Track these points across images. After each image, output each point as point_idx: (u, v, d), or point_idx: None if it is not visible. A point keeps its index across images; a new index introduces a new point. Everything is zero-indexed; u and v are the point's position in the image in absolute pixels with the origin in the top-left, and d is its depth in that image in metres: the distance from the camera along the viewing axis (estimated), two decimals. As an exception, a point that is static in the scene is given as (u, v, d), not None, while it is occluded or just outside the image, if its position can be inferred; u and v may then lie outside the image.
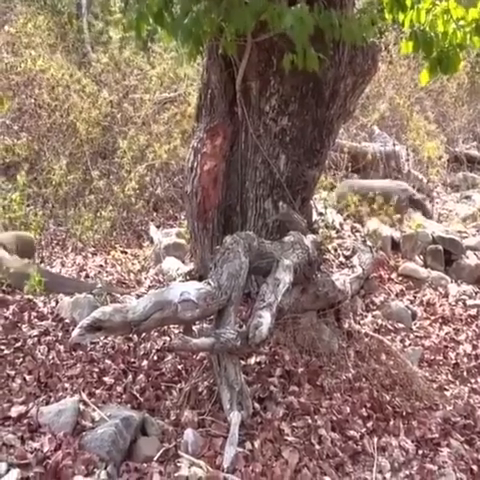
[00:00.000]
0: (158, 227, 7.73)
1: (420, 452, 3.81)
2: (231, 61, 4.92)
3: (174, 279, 5.38)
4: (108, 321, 3.44)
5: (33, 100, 8.13)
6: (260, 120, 4.97)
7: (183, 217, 8.25)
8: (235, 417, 3.61)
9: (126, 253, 6.65)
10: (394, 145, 9.92)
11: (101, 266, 6.03)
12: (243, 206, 5.19)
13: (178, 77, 8.39)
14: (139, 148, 8.00)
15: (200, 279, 5.22)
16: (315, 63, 4.33)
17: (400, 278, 6.06)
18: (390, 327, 5.16)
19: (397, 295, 5.72)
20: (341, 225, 6.28)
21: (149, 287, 5.21)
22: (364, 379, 4.32)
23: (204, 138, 5.19)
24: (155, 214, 8.35)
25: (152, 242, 7.21)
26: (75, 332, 3.38)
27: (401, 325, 5.23)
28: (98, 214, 7.60)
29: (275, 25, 4.09)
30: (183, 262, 5.83)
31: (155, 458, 3.42)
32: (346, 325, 4.98)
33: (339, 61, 4.89)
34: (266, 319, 3.80)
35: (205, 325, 4.30)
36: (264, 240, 4.37)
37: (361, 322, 5.12)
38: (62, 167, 7.69)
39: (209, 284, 3.85)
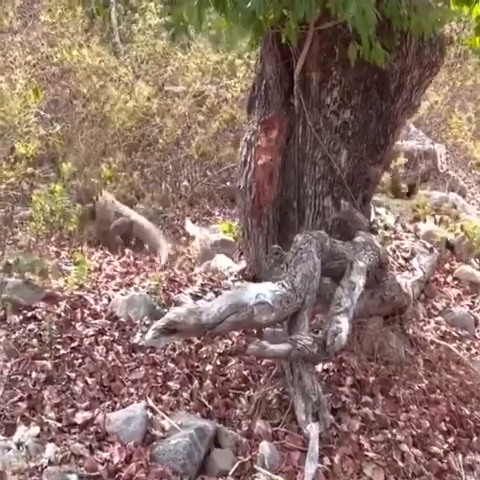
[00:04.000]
0: (193, 223, 7.49)
1: (509, 472, 3.57)
2: (288, 51, 4.70)
3: (226, 278, 5.13)
4: (182, 323, 3.23)
5: (68, 90, 7.86)
6: (320, 113, 4.72)
7: (217, 213, 8.05)
8: (314, 430, 3.38)
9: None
10: (432, 143, 9.64)
11: (152, 261, 5.77)
12: (300, 203, 4.92)
13: (218, 69, 8.11)
14: (176, 141, 7.73)
15: (254, 279, 5.03)
16: (381, 57, 4.10)
17: (455, 282, 5.80)
18: (455, 334, 4.91)
19: (455, 300, 5.45)
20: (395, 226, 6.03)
21: (202, 285, 4.96)
22: (439, 390, 4.08)
23: (258, 131, 4.95)
24: (189, 209, 8.10)
25: (188, 238, 6.98)
26: (149, 335, 3.17)
27: (465, 332, 4.98)
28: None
29: (339, 14, 3.85)
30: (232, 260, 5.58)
31: (230, 472, 3.20)
32: (410, 331, 4.73)
33: (406, 52, 4.62)
34: (344, 325, 3.59)
35: (273, 330, 4.04)
36: (335, 240, 4.11)
37: (424, 328, 4.88)
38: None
39: (284, 286, 3.62)
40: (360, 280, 3.89)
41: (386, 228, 5.74)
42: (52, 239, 6.16)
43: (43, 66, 7.86)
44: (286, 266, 3.81)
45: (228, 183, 7.90)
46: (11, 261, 4.50)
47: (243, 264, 5.37)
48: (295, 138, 4.86)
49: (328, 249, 3.96)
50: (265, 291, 3.50)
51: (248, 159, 4.97)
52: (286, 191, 4.94)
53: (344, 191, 4.78)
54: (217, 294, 4.80)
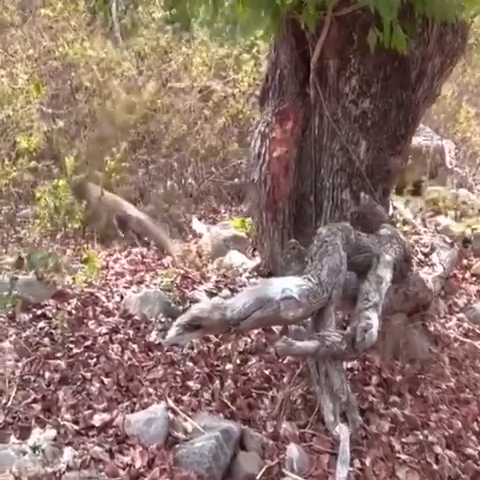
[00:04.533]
0: (199, 220, 7.32)
1: None
2: (303, 39, 4.54)
3: (240, 274, 4.96)
4: (207, 319, 3.05)
5: (70, 84, 7.67)
6: (338, 102, 4.55)
7: (224, 210, 7.89)
8: (344, 432, 3.21)
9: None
10: (441, 139, 9.47)
11: (160, 258, 5.60)
12: (318, 196, 4.73)
13: (225, 63, 7.94)
14: (181, 137, 7.55)
15: (269, 275, 4.86)
16: (402, 42, 3.96)
17: (474, 278, 5.63)
18: (478, 331, 4.74)
19: (475, 296, 5.29)
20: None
21: (216, 282, 4.79)
22: (467, 389, 3.91)
23: (273, 122, 4.77)
24: (194, 206, 7.92)
25: (195, 235, 6.80)
26: (172, 331, 2.99)
27: (489, 330, 4.81)
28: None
29: (360, -1, 3.71)
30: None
31: (258, 476, 3.03)
32: (432, 328, 4.56)
33: (428, 39, 4.45)
34: (374, 321, 3.42)
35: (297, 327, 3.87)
36: (360, 233, 3.94)
37: (446, 325, 4.71)
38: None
39: (310, 280, 3.44)
40: (387, 274, 3.73)
41: (405, 222, 5.56)
42: (57, 237, 5.97)
43: (45, 61, 7.64)
44: (310, 260, 3.64)
45: (236, 180, 7.72)
46: (23, 256, 4.30)
47: (257, 260, 5.20)
48: (311, 129, 4.69)
49: (353, 242, 3.80)
50: (291, 285, 3.32)
51: (262, 151, 4.79)
52: (302, 184, 4.77)
53: (363, 183, 4.60)
54: (232, 291, 4.65)
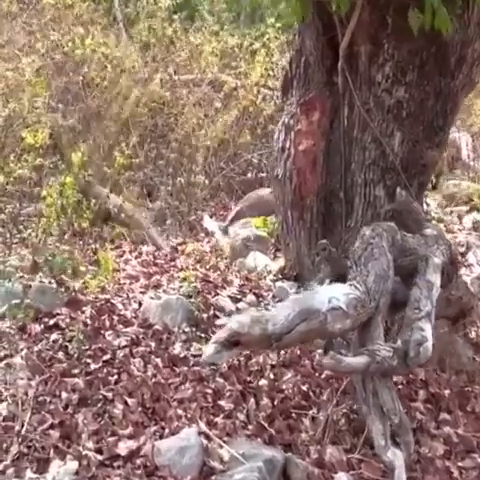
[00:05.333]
0: (211, 218, 6.97)
1: None
2: (330, 23, 4.23)
3: (264, 278, 4.62)
4: (247, 334, 2.69)
5: (79, 78, 7.30)
6: (370, 91, 4.23)
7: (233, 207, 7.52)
8: (398, 457, 2.86)
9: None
10: (457, 131, 9.12)
11: (173, 260, 5.25)
12: (348, 192, 4.40)
13: (236, 53, 7.58)
14: (192, 130, 7.20)
15: (295, 278, 4.54)
16: (446, 23, 3.62)
17: (507, 279, 5.27)
18: (522, 338, 4.39)
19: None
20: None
21: (240, 287, 4.44)
22: (520, 403, 3.56)
23: (298, 113, 4.48)
24: (206, 203, 7.56)
25: (207, 234, 6.46)
26: (210, 349, 2.62)
27: None
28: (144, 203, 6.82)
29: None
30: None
31: (306, 511, 2.66)
32: (472, 335, 4.22)
33: (468, 22, 4.11)
34: (428, 332, 3.07)
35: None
36: (405, 233, 3.60)
37: (487, 332, 4.35)
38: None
39: (357, 288, 3.09)
40: (437, 279, 3.39)
41: (439, 220, 5.21)
42: (65, 237, 5.61)
43: (52, 56, 7.26)
44: (354, 264, 3.29)
45: (249, 175, 7.37)
46: (39, 259, 3.95)
47: (280, 261, 4.86)
48: (340, 120, 4.37)
49: (399, 243, 3.45)
50: (338, 294, 2.97)
51: (287, 145, 4.49)
52: (331, 180, 4.44)
53: (398, 178, 4.27)
54: (257, 296, 4.31)
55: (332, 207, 4.44)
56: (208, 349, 2.62)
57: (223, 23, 8.46)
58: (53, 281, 3.97)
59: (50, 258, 3.91)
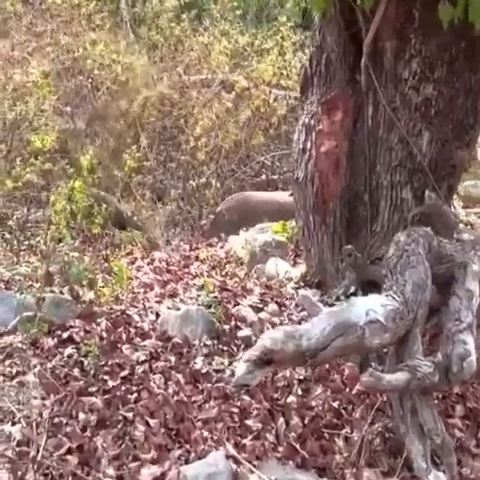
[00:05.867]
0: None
1: None
2: (352, 18, 4.09)
3: (285, 285, 4.41)
4: (280, 351, 2.50)
5: (87, 81, 7.11)
6: (396, 89, 4.08)
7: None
8: (441, 482, 2.65)
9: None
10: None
11: (186, 267, 5.05)
12: (373, 195, 4.23)
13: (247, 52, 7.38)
14: (203, 133, 7.00)
15: (318, 286, 4.35)
16: None
17: None
18: None
19: None
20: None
21: (261, 295, 4.23)
22: None
23: (319, 113, 4.32)
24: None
25: (220, 239, 6.25)
26: (241, 369, 2.44)
27: None
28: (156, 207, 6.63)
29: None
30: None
31: None
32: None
33: (500, 14, 3.94)
34: (471, 346, 2.88)
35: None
36: (441, 239, 3.40)
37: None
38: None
39: (394, 299, 2.89)
40: (476, 287, 3.20)
41: (466, 224, 5.00)
42: (75, 244, 5.41)
43: (62, 60, 7.08)
44: (390, 273, 3.11)
45: (263, 177, 7.17)
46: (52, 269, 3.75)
47: (301, 268, 4.66)
48: (364, 120, 4.22)
49: (435, 250, 3.26)
50: (376, 306, 2.78)
51: (308, 146, 4.34)
52: (355, 182, 4.29)
53: (426, 180, 4.11)
54: (280, 305, 4.10)
55: (356, 211, 4.29)
56: (239, 369, 2.44)
57: (231, 22, 8.25)
58: (66, 292, 3.75)
59: (66, 268, 3.69)
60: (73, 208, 5.33)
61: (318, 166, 4.27)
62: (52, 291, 3.80)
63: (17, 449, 2.67)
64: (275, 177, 7.44)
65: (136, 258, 5.80)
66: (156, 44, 8.18)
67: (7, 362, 3.28)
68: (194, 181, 6.99)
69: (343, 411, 3.19)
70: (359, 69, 4.11)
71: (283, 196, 6.22)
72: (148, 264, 5.65)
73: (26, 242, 6.05)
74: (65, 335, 3.53)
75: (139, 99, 7.04)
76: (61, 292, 3.86)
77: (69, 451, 2.69)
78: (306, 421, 3.09)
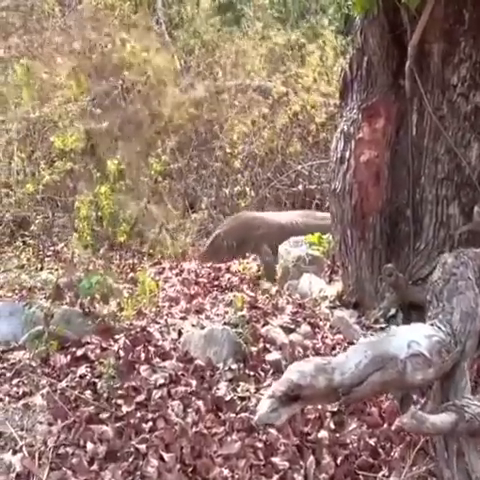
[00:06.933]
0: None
1: None
2: (396, 20, 3.93)
3: (319, 304, 4.12)
4: (309, 386, 2.19)
5: (120, 83, 6.92)
6: (443, 96, 3.88)
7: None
8: None
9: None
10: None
11: (216, 279, 4.80)
12: (417, 210, 4.00)
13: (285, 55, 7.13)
14: (238, 140, 6.76)
15: (355, 306, 4.08)
16: None
17: None
18: None
19: None
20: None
21: (293, 314, 3.93)
22: None
23: (359, 120, 4.13)
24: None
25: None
26: (264, 406, 2.15)
27: None
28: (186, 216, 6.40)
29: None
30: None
31: None
32: None
33: None
34: None
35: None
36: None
37: None
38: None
39: (440, 329, 2.58)
40: None
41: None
42: (100, 251, 5.21)
43: (90, 56, 6.90)
44: (435, 299, 2.81)
45: (299, 186, 6.89)
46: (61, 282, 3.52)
47: (337, 286, 4.38)
48: (408, 128, 4.02)
49: (485, 273, 2.94)
50: (419, 337, 2.48)
51: (346, 155, 4.15)
52: (397, 195, 4.08)
53: (475, 195, 3.87)
54: (313, 326, 3.79)
55: (398, 227, 4.07)
56: (262, 406, 2.15)
57: (270, 26, 8.02)
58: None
59: (78, 285, 3.45)
60: (99, 214, 5.14)
61: (357, 177, 4.06)
62: (66, 304, 3.55)
63: (15, 483, 2.41)
64: (312, 187, 7.15)
65: (164, 268, 5.58)
66: (192, 47, 7.95)
67: (15, 381, 3.06)
68: (227, 189, 6.71)
69: (380, 450, 2.91)
70: (403, 73, 3.91)
71: (285, 216, 5.92)
72: (176, 275, 5.44)
73: (52, 248, 5.88)
74: (79, 352, 3.30)
75: (171, 102, 6.80)
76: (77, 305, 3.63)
77: (73, 487, 2.42)
78: (339, 460, 2.81)
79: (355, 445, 2.90)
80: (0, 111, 6.55)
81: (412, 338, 2.49)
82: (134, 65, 7.15)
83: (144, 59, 6.98)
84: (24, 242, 5.45)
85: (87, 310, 3.46)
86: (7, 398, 2.93)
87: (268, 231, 5.71)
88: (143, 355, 3.35)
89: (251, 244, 5.62)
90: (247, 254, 5.52)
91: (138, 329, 3.60)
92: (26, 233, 5.85)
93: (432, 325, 2.63)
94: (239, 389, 3.16)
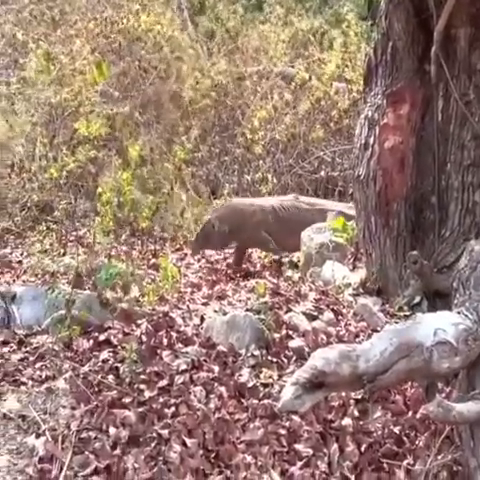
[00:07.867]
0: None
1: None
2: (422, 4, 3.86)
3: (342, 291, 4.07)
4: (333, 373, 2.16)
5: (136, 63, 6.84)
6: (470, 81, 3.81)
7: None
8: None
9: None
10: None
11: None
12: (442, 197, 3.94)
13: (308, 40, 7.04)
14: (260, 126, 6.70)
15: (378, 293, 4.04)
16: None
17: None
18: None
19: None
20: None
21: (316, 301, 3.90)
22: None
23: (384, 105, 4.07)
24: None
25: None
26: (287, 393, 2.13)
27: None
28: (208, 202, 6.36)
29: None
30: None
31: None
32: None
33: None
34: None
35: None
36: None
37: None
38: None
39: (467, 317, 2.53)
40: None
41: None
42: (122, 237, 5.20)
43: (107, 34, 6.81)
44: (462, 287, 2.75)
45: (322, 173, 6.83)
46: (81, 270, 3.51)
47: (360, 273, 4.33)
48: (433, 114, 3.96)
49: (513, 261, 2.87)
50: (445, 325, 2.44)
51: (371, 141, 4.09)
52: (422, 182, 4.02)
53: None
54: (336, 313, 3.75)
55: (423, 214, 4.03)
56: (286, 392, 2.12)
57: (292, 10, 7.93)
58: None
59: (96, 275, 3.44)
60: (121, 200, 5.12)
61: (381, 163, 4.01)
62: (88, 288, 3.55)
63: (39, 466, 2.42)
64: (335, 174, 7.09)
65: (186, 254, 5.57)
66: (214, 33, 7.89)
67: (38, 365, 3.07)
68: (249, 175, 6.67)
69: (405, 438, 2.87)
70: (428, 58, 3.85)
71: (275, 201, 5.71)
72: (198, 261, 5.42)
73: (74, 233, 5.89)
74: (102, 337, 3.29)
75: (192, 84, 6.72)
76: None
77: (96, 471, 2.43)
78: (363, 448, 2.78)
79: (379, 433, 2.87)
80: (23, 97, 6.54)
81: (438, 326, 2.45)
82: (150, 41, 7.03)
83: (159, 33, 6.82)
84: (47, 227, 5.46)
85: (104, 301, 3.43)
86: (30, 382, 2.93)
87: (264, 218, 5.53)
88: (165, 340, 3.32)
89: (247, 231, 5.43)
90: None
91: (160, 315, 3.58)
92: (49, 218, 5.86)
93: (458, 313, 2.58)
94: (262, 375, 3.13)
